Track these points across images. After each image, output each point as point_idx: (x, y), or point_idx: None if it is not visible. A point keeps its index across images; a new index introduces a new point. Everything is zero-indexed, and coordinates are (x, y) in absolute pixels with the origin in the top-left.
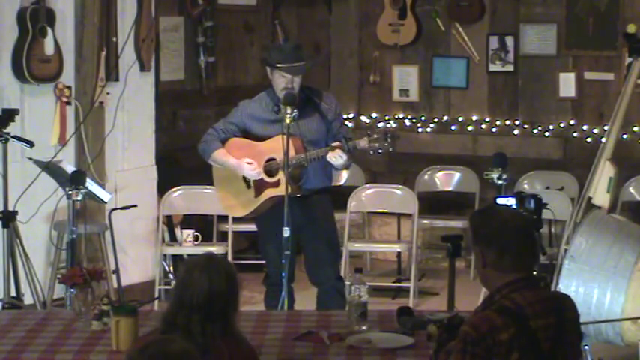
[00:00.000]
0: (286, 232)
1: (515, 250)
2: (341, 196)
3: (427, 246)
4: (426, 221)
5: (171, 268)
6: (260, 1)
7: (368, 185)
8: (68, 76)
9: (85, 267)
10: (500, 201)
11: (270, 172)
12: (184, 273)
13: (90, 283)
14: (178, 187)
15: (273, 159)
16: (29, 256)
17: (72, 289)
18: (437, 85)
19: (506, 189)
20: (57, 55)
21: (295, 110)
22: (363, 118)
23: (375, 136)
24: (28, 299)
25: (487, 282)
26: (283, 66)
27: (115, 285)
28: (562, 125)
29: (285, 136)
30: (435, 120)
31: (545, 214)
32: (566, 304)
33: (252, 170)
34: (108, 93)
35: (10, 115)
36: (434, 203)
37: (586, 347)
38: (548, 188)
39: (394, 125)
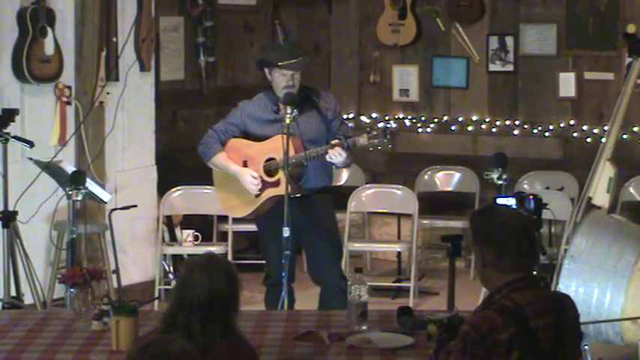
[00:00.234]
0: (286, 232)
1: (514, 250)
2: (341, 196)
3: (427, 246)
4: (426, 221)
5: (171, 268)
6: (260, 1)
7: (368, 185)
8: (68, 76)
9: (85, 267)
10: (500, 201)
11: (270, 172)
12: (185, 273)
13: (90, 283)
14: (178, 187)
15: (272, 158)
16: (29, 256)
17: (72, 289)
18: (437, 85)
19: (506, 189)
20: (57, 55)
21: (295, 110)
22: (363, 118)
23: (374, 132)
24: (28, 299)
25: (487, 282)
26: (283, 64)
27: (115, 285)
28: (562, 125)
29: (284, 136)
30: (435, 120)
31: (545, 214)
32: (566, 304)
33: (255, 186)
34: (108, 93)
35: (10, 115)
36: (434, 203)
37: (586, 347)
38: (548, 188)
39: (394, 125)
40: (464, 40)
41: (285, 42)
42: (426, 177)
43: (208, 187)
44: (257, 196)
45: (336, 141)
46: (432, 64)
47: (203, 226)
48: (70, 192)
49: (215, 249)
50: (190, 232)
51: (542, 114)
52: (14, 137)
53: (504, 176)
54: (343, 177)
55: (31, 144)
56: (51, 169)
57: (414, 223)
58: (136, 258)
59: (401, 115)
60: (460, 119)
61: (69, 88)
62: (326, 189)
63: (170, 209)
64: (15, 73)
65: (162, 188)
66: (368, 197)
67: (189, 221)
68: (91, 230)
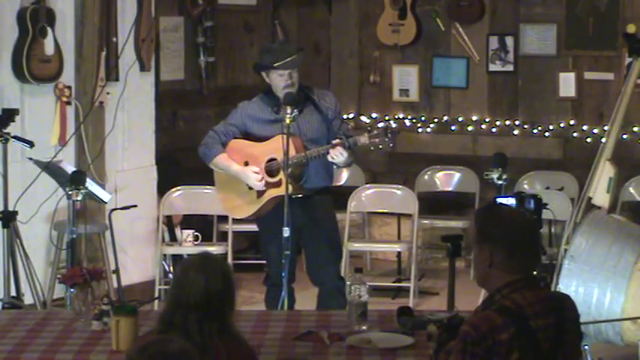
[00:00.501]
0: (286, 232)
1: (525, 250)
2: (341, 196)
3: (427, 246)
4: (426, 221)
5: (172, 268)
6: (260, 1)
7: (368, 185)
8: (68, 76)
9: (85, 267)
10: (500, 201)
11: (271, 172)
12: (180, 273)
13: (90, 283)
14: (178, 187)
15: (274, 159)
16: (29, 256)
17: (72, 289)
18: (437, 85)
19: (506, 189)
20: (57, 55)
21: (295, 110)
22: (363, 118)
23: (375, 132)
24: (28, 299)
25: (489, 282)
26: (278, 64)
27: (115, 285)
28: (562, 125)
29: (284, 136)
30: (435, 120)
31: (545, 214)
32: (566, 304)
33: (257, 181)
34: (108, 93)
35: (10, 115)
36: (434, 203)
37: (586, 347)
38: (548, 188)
39: (394, 125)
40: (464, 40)
41: (278, 42)
42: (426, 177)
43: (208, 187)
44: (259, 196)
45: (338, 140)
46: (432, 64)
47: (203, 226)
48: (70, 192)
49: (215, 249)
50: (190, 232)
51: (542, 114)
52: (14, 137)
53: (504, 176)
54: (343, 177)
55: (31, 144)
56: (51, 169)
57: (414, 223)
58: (136, 258)
59: (401, 115)
60: (460, 119)
61: (69, 88)
62: (327, 189)
63: (170, 209)
64: (15, 73)
65: (163, 188)
66: (368, 197)
67: (189, 221)
68: (91, 230)
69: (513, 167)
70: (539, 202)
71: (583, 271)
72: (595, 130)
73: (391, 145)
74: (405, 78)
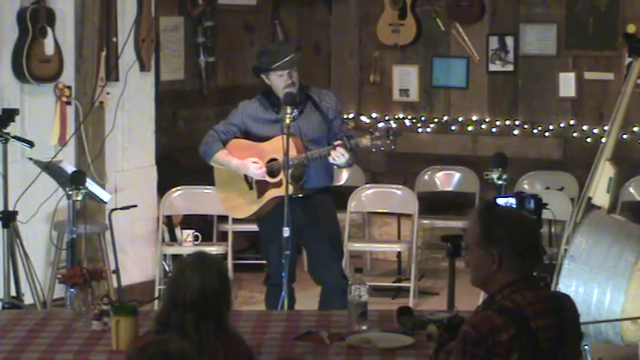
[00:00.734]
0: (286, 232)
1: (531, 251)
2: (341, 196)
3: (427, 246)
4: (426, 221)
5: (172, 268)
6: (260, 1)
7: (368, 185)
8: (68, 76)
9: (85, 267)
10: (500, 201)
11: (272, 173)
12: (176, 272)
13: (90, 283)
14: (178, 187)
15: (274, 159)
16: (29, 256)
17: (72, 289)
18: (437, 85)
19: (506, 189)
20: (57, 55)
21: (295, 110)
22: (363, 118)
23: (377, 133)
24: (28, 299)
25: (490, 283)
26: (276, 65)
27: (115, 285)
28: (562, 125)
29: (285, 136)
30: (435, 120)
31: (545, 214)
32: (566, 304)
33: (258, 169)
34: (108, 93)
35: (10, 115)
36: (434, 203)
37: (586, 347)
38: (548, 188)
39: (394, 125)
40: (464, 40)
41: (275, 43)
42: (426, 177)
43: (208, 187)
44: (260, 196)
45: (339, 142)
46: (432, 64)
47: (203, 226)
48: (70, 192)
49: (215, 249)
50: (190, 232)
51: (542, 114)
52: (14, 137)
53: (504, 176)
54: (343, 177)
55: (31, 144)
56: (51, 169)
57: (414, 223)
58: (136, 258)
59: (401, 115)
60: (460, 119)
61: (69, 88)
62: (327, 189)
63: (170, 209)
64: (15, 73)
65: (163, 188)
66: (368, 197)
67: (189, 221)
68: (91, 230)
69: (513, 167)
70: (539, 202)
71: (583, 271)
72: (595, 130)
73: (393, 147)
74: (405, 78)
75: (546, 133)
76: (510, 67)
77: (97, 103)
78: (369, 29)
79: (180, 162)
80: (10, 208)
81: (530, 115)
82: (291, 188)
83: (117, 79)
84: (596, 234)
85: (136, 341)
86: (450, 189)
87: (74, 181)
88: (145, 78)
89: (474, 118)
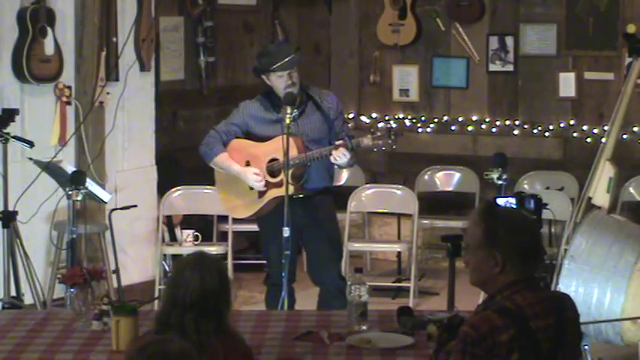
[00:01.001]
0: (286, 232)
1: (534, 252)
2: (341, 196)
3: (427, 246)
4: (426, 221)
5: (171, 268)
6: (260, 1)
7: (368, 185)
8: (68, 76)
9: (85, 267)
10: (500, 201)
11: (273, 173)
12: (176, 272)
13: (90, 283)
14: (178, 187)
15: (275, 159)
16: (29, 256)
17: (72, 289)
18: (437, 85)
19: (506, 189)
20: (57, 55)
21: (295, 110)
22: (363, 118)
23: (379, 133)
24: (28, 299)
25: (490, 284)
26: (276, 66)
27: (115, 285)
28: (562, 125)
29: (285, 136)
30: (435, 120)
31: (545, 214)
32: (566, 304)
33: (258, 182)
34: (108, 93)
35: (10, 115)
36: (434, 203)
37: (586, 347)
38: (548, 188)
39: (394, 125)
40: (464, 40)
41: (274, 44)
42: (426, 177)
43: (208, 187)
44: (260, 196)
45: (340, 142)
46: (432, 64)
47: (203, 226)
48: (70, 192)
49: (215, 249)
50: (190, 232)
51: (542, 114)
52: (14, 137)
53: (504, 176)
54: (343, 177)
55: (31, 144)
56: (51, 169)
57: (414, 223)
58: (136, 258)
59: (401, 115)
60: (460, 119)
61: (69, 88)
62: (327, 189)
63: (170, 209)
64: (15, 73)
65: (163, 188)
66: (368, 197)
67: (189, 221)
68: (91, 230)
69: (513, 167)
70: (539, 202)
71: (583, 271)
72: (595, 130)
73: (394, 147)
74: (405, 78)
75: (546, 133)
76: (510, 67)
77: (97, 103)
78: (369, 29)
79: (180, 162)
80: (10, 208)
81: (530, 115)
82: (291, 188)
83: (117, 79)
84: (596, 234)
85: (136, 341)
86: (450, 189)
87: (74, 181)
88: (145, 78)
89: (474, 118)
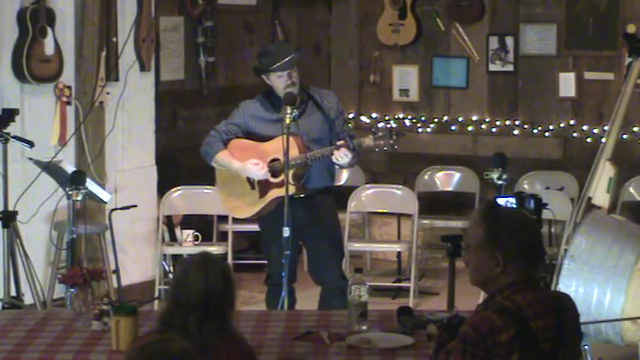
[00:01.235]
0: (286, 232)
1: (536, 253)
2: (341, 196)
3: (427, 246)
4: (426, 221)
5: (172, 268)
6: (260, 1)
7: (368, 185)
8: (68, 76)
9: (85, 267)
10: (501, 201)
11: (274, 173)
12: (180, 273)
13: (90, 283)
14: (178, 187)
15: (276, 159)
16: (29, 256)
17: (72, 289)
18: (437, 85)
19: (506, 189)
20: (57, 55)
21: (295, 110)
22: (363, 118)
23: (380, 133)
24: (28, 299)
25: (491, 284)
26: (276, 66)
27: (115, 285)
28: (562, 125)
29: (285, 136)
30: (435, 120)
31: (545, 214)
32: (566, 304)
33: (259, 170)
34: (108, 93)
35: (10, 115)
36: (434, 203)
37: (586, 347)
38: (548, 188)
39: (394, 125)
40: (464, 40)
41: (275, 44)
42: (426, 177)
43: (208, 187)
44: (262, 196)
45: (342, 142)
46: (432, 64)
47: (203, 226)
48: (70, 192)
49: (215, 249)
50: (190, 232)
51: (542, 114)
52: (14, 137)
53: (504, 176)
54: (343, 177)
55: (31, 144)
56: (51, 169)
57: (414, 223)
58: (136, 258)
59: (401, 115)
60: (460, 119)
61: (69, 88)
62: (328, 189)
63: (170, 209)
64: (15, 73)
65: (163, 188)
66: (368, 197)
67: (189, 221)
68: (91, 230)
69: (513, 167)
70: (539, 202)
71: (583, 271)
72: (595, 130)
73: (396, 147)
74: (405, 78)
75: (546, 133)
76: (510, 67)
77: (97, 103)
78: (369, 29)
79: (180, 162)
80: (10, 208)
81: (530, 115)
82: (292, 188)
83: (117, 79)
84: (596, 234)
85: (136, 341)
86: (450, 189)
87: (74, 181)
88: (145, 78)
89: (474, 118)
